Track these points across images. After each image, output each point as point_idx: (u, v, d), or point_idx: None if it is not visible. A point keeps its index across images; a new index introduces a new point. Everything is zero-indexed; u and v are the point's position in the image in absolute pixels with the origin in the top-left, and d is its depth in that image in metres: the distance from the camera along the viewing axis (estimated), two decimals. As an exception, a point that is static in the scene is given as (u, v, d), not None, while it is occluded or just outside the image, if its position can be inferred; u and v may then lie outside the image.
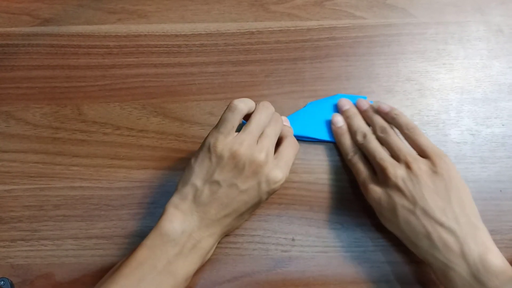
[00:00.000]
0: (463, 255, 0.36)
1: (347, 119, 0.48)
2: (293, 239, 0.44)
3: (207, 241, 0.39)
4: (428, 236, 0.37)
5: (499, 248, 0.43)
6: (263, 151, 0.39)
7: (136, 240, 0.45)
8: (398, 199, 0.39)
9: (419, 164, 0.40)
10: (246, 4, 0.55)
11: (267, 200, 0.43)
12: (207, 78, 0.52)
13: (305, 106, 0.50)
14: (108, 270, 0.40)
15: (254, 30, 0.54)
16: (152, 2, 0.56)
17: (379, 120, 0.46)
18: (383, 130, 0.45)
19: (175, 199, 0.40)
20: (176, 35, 0.54)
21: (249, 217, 0.44)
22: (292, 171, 0.47)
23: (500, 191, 0.46)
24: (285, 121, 0.47)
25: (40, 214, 0.46)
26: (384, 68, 0.52)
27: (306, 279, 0.43)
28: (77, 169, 0.47)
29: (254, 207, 0.41)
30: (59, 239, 0.45)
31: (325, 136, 0.48)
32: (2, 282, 0.41)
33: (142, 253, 0.37)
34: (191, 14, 0.55)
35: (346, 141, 0.47)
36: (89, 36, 0.54)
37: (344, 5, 0.55)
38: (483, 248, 0.37)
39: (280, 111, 0.49)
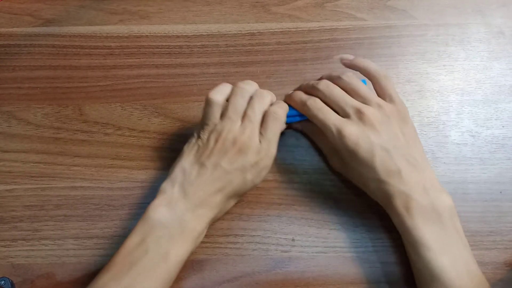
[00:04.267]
0: (425, 189, 0.39)
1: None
2: (293, 240, 0.44)
3: (196, 223, 0.40)
4: (399, 172, 0.39)
5: (499, 249, 0.44)
6: (246, 131, 0.41)
7: (136, 240, 0.45)
8: (376, 138, 0.40)
9: (389, 108, 0.42)
10: (247, 6, 0.56)
11: (256, 183, 0.43)
12: (208, 79, 0.52)
13: None
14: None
15: (255, 31, 0.54)
16: (154, 3, 0.56)
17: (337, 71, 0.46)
18: (342, 73, 0.44)
19: (165, 184, 0.41)
20: (178, 36, 0.54)
21: (238, 200, 0.44)
22: (292, 172, 0.47)
23: (500, 192, 0.46)
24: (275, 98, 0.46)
25: (41, 214, 0.46)
26: (385, 69, 0.52)
27: (306, 279, 0.43)
28: (78, 169, 0.48)
29: (242, 188, 0.42)
30: (60, 239, 0.45)
31: None
32: (3, 282, 0.41)
33: (132, 240, 0.38)
34: (192, 15, 0.55)
35: (298, 94, 0.46)
36: (91, 37, 0.54)
37: (345, 7, 0.55)
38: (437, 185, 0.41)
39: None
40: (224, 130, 0.41)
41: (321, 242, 0.44)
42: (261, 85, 0.51)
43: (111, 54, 0.53)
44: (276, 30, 0.54)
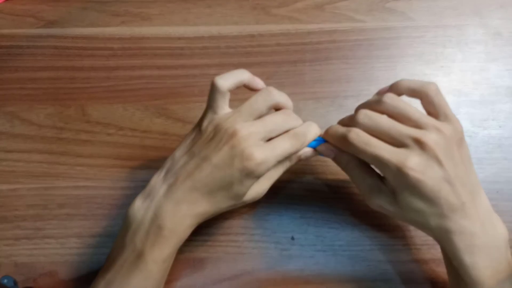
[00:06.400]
0: (484, 222, 0.36)
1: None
2: (292, 238, 0.45)
3: (173, 219, 0.36)
4: (463, 206, 0.35)
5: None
6: (248, 128, 0.36)
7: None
8: (441, 171, 0.34)
9: (448, 130, 0.35)
10: (247, 8, 0.56)
11: (242, 185, 0.37)
12: (209, 80, 0.51)
13: None
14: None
15: (255, 33, 0.55)
16: (155, 5, 0.56)
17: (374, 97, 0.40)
18: (382, 97, 0.38)
19: (155, 174, 0.39)
20: (179, 38, 0.55)
21: (226, 205, 0.38)
22: (291, 171, 0.47)
23: (497, 192, 0.47)
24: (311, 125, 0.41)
25: (44, 213, 0.46)
26: (383, 71, 0.53)
27: (305, 277, 0.43)
28: (81, 169, 0.48)
29: (226, 190, 0.37)
30: (63, 238, 0.45)
31: None
32: (6, 280, 0.41)
33: (119, 234, 0.39)
34: (193, 17, 0.56)
35: (334, 128, 0.39)
36: (93, 38, 0.54)
37: (344, 9, 0.56)
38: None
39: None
40: (226, 121, 0.37)
41: (320, 241, 0.45)
42: (261, 86, 0.52)
43: (114, 55, 0.54)
44: (276, 32, 0.55)
